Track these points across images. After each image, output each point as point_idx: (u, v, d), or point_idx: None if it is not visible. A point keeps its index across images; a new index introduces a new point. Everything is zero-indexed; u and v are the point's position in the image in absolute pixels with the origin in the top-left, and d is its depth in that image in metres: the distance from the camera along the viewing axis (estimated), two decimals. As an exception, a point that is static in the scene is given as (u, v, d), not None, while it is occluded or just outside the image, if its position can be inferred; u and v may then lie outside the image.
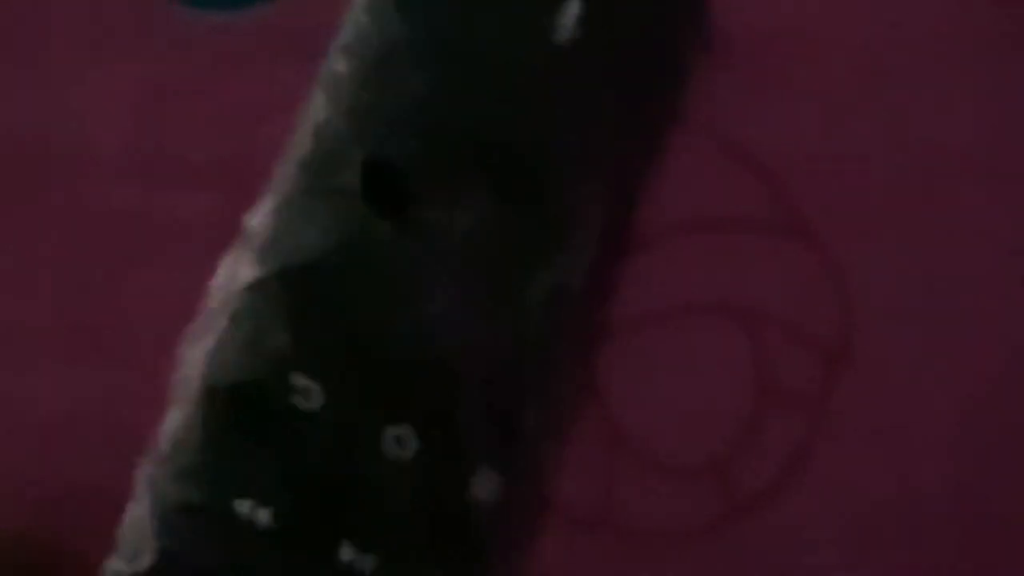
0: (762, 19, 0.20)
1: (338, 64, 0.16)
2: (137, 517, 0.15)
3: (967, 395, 0.20)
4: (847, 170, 0.20)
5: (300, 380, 0.15)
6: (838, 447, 0.19)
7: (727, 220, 0.20)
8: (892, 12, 0.21)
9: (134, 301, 0.19)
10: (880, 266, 0.20)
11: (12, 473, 0.19)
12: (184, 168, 0.20)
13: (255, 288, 0.15)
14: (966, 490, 0.20)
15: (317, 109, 0.16)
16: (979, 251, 0.20)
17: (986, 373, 0.20)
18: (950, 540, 0.20)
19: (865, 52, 0.21)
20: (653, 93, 0.17)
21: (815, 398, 0.19)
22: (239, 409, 0.15)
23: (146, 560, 0.14)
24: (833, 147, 0.20)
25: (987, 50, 0.21)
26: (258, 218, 0.16)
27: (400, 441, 0.15)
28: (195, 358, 0.15)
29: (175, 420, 0.15)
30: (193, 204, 0.20)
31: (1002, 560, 0.20)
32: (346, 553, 0.15)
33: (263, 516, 0.15)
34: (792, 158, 0.20)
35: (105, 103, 0.20)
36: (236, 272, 0.16)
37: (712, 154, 0.20)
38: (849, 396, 0.19)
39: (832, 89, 0.20)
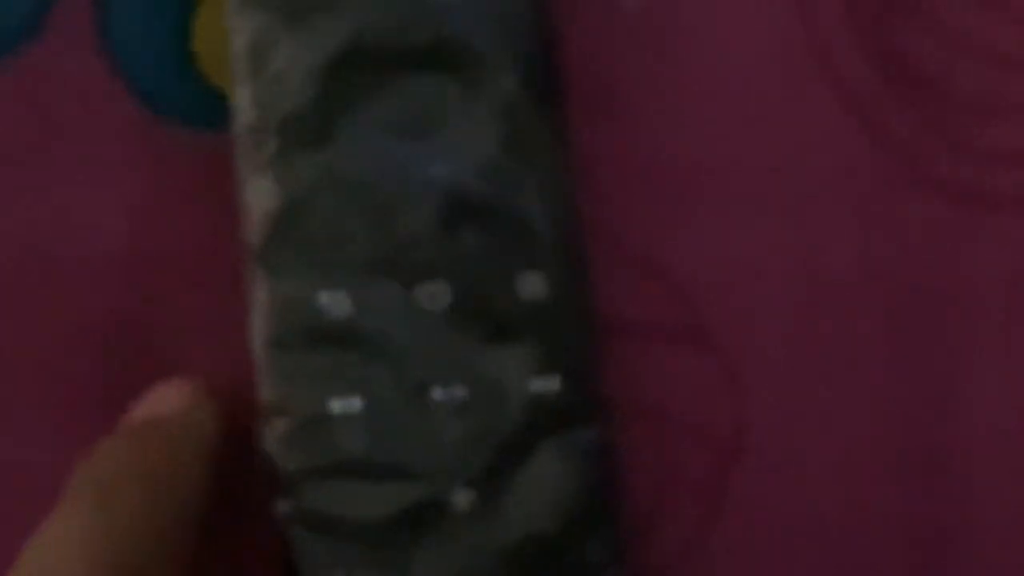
0: (672, 142, 0.21)
1: None
2: None
3: (852, 487, 0.21)
4: (744, 281, 0.21)
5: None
6: (734, 530, 0.21)
7: (633, 324, 0.21)
8: (790, 143, 0.22)
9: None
10: (773, 369, 0.21)
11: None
12: (182, 272, 0.21)
13: None
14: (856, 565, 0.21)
15: None
16: (865, 363, 0.21)
17: (871, 468, 0.21)
18: None
19: (769, 175, 0.22)
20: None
21: (713, 479, 0.21)
22: None
23: None
24: (733, 259, 0.21)
25: (869, 185, 0.22)
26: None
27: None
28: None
29: None
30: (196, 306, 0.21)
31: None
32: None
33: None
34: (696, 269, 0.21)
35: (100, 209, 0.21)
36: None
37: (623, 263, 0.21)
38: (743, 485, 0.21)
39: (735, 207, 0.21)
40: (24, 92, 0.21)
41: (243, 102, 0.19)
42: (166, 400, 0.20)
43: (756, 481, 0.21)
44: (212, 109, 0.21)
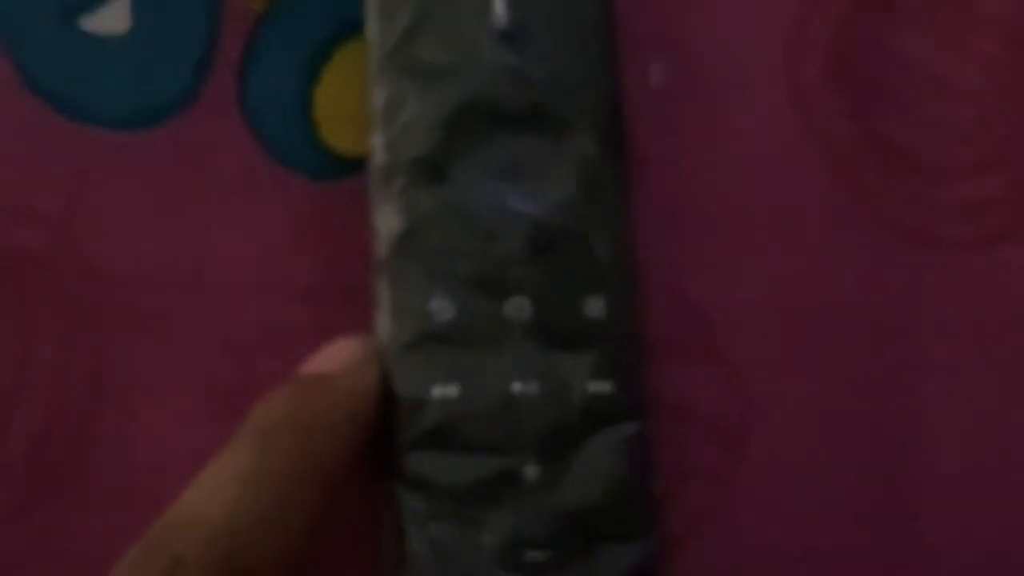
0: (692, 196, 0.24)
1: None
2: None
3: (833, 474, 0.23)
4: (748, 308, 0.23)
5: None
6: (740, 508, 0.23)
7: (662, 341, 0.23)
8: (785, 196, 0.24)
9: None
10: (771, 379, 0.23)
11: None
12: (303, 293, 0.23)
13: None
14: (857, 550, 0.23)
15: None
16: (844, 376, 0.23)
17: (848, 460, 0.23)
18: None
19: (767, 222, 0.24)
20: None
21: (722, 470, 0.23)
22: None
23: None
24: (740, 291, 0.24)
25: (846, 231, 0.24)
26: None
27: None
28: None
29: None
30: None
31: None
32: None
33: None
34: (710, 298, 0.23)
35: (241, 243, 0.23)
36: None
37: (655, 291, 0.23)
38: (746, 475, 0.23)
39: (741, 249, 0.24)
40: (182, 149, 0.23)
41: (378, 146, 0.22)
42: (336, 356, 0.21)
43: (757, 468, 0.23)
44: (328, 165, 0.24)
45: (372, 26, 0.22)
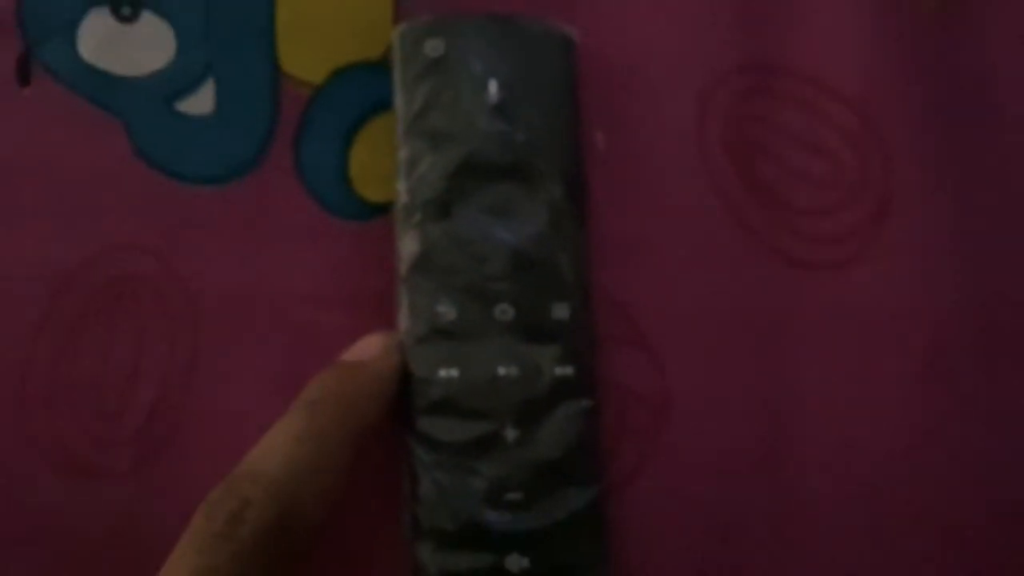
0: (622, 224, 0.25)
1: None
2: None
3: (732, 440, 0.24)
4: (666, 308, 0.25)
5: None
6: (663, 465, 0.24)
7: (602, 335, 0.25)
8: (692, 227, 0.26)
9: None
10: (685, 362, 0.25)
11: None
12: (346, 305, 0.24)
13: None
14: (752, 492, 0.24)
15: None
16: (736, 365, 0.25)
17: (749, 421, 0.24)
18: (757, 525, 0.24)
19: (678, 245, 0.25)
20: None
21: (649, 432, 0.25)
22: None
23: None
24: (659, 296, 0.25)
25: (737, 255, 0.26)
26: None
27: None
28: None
29: None
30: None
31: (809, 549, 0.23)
32: None
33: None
34: (637, 301, 0.25)
35: (299, 271, 0.24)
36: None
37: (598, 298, 0.24)
38: (666, 432, 0.25)
39: (659, 266, 0.25)
40: (253, 199, 0.25)
41: (401, 191, 0.23)
42: (368, 348, 0.22)
43: (676, 432, 0.25)
44: (360, 209, 0.25)
45: (398, 103, 0.23)
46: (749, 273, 0.26)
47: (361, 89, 0.25)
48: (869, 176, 0.26)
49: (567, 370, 0.22)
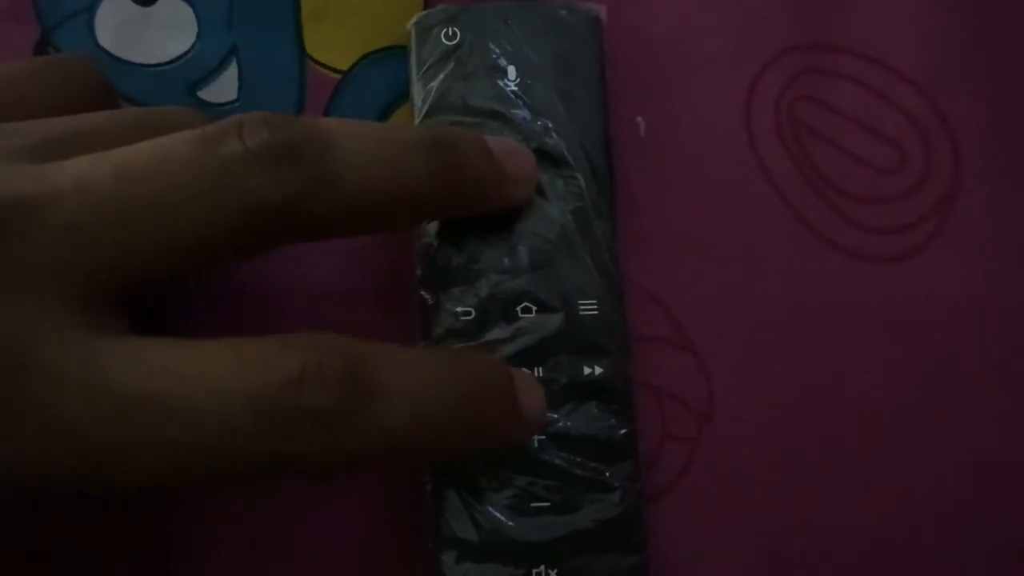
0: (667, 219, 0.24)
1: None
2: None
3: (779, 441, 0.23)
4: (713, 308, 0.24)
5: None
6: (706, 467, 0.23)
7: (644, 335, 0.24)
8: (743, 219, 0.25)
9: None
10: (731, 365, 0.24)
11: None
12: (376, 306, 0.24)
13: None
14: (798, 500, 0.23)
15: None
16: (789, 364, 0.24)
17: (797, 425, 0.23)
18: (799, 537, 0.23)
19: (729, 240, 0.25)
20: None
21: (692, 439, 0.24)
22: None
23: None
24: (707, 295, 0.24)
25: (790, 248, 0.25)
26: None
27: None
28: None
29: None
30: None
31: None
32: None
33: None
34: (682, 300, 0.24)
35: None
36: None
37: (637, 295, 0.24)
38: (712, 440, 0.24)
39: (707, 262, 0.24)
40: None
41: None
42: None
43: (720, 435, 0.24)
44: None
45: (413, 94, 0.23)
46: (803, 268, 0.25)
47: (390, 75, 0.25)
48: (933, 163, 0.25)
49: (594, 369, 0.21)
